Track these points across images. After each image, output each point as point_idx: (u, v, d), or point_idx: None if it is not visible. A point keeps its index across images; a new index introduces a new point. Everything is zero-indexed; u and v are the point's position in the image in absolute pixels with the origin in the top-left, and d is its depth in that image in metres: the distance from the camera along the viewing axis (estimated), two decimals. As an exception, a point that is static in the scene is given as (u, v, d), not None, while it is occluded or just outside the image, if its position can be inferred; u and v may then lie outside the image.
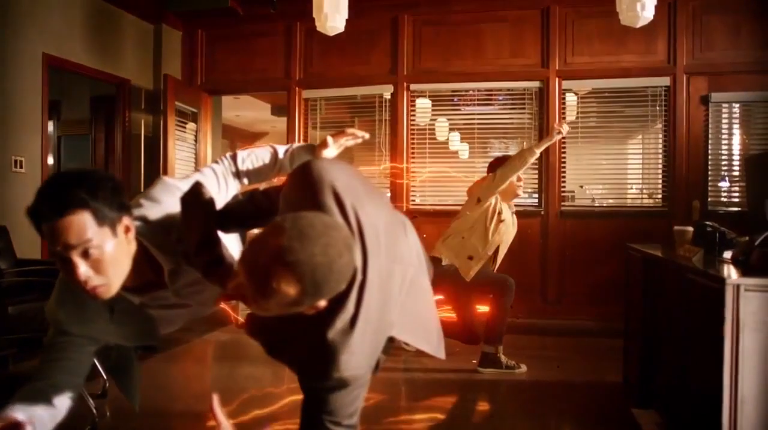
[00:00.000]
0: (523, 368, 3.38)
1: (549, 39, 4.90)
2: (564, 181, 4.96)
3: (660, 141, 4.85)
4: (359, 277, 1.16)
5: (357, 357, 1.16)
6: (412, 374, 3.41)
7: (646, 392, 2.71)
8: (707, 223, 2.49)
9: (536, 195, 4.98)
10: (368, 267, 1.17)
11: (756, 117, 4.77)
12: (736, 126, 4.84)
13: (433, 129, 5.27)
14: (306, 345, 1.18)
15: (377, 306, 1.20)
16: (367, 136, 1.62)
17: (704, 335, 1.82)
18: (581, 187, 5.04)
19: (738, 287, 1.60)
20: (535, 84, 4.96)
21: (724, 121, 4.82)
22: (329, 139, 1.56)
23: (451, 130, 5.38)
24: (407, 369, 3.48)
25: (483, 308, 3.60)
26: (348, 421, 1.22)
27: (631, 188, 5.06)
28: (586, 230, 4.86)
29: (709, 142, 4.71)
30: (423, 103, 5.23)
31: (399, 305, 1.39)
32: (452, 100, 5.26)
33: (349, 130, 1.58)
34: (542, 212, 4.92)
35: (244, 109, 9.18)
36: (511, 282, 3.41)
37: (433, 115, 5.25)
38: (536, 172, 4.99)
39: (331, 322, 1.14)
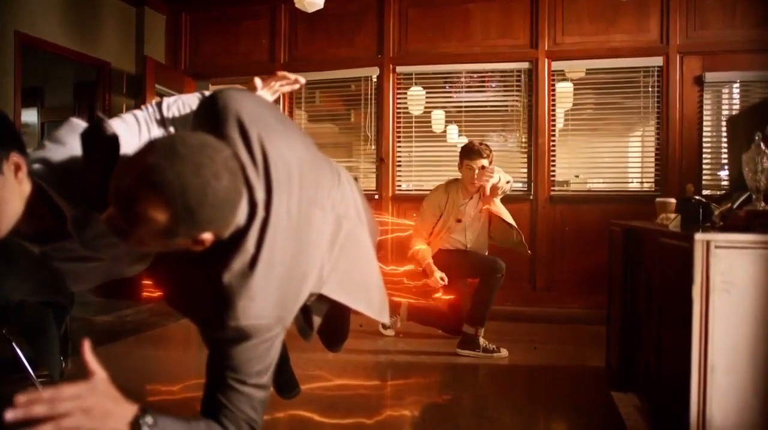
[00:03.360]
0: (504, 352, 3.24)
1: (538, 19, 4.75)
2: (554, 166, 4.81)
3: (653, 123, 4.68)
4: (261, 213, 1.03)
5: (259, 304, 1.03)
6: (387, 357, 3.27)
7: (627, 375, 2.57)
8: (692, 196, 2.36)
9: (525, 180, 4.83)
10: (272, 203, 1.04)
11: (753, 98, 4.59)
12: (736, 107, 4.66)
13: (422, 116, 5.12)
14: (203, 291, 1.05)
15: (286, 249, 1.07)
16: (303, 80, 1.49)
17: (675, 303, 1.68)
18: (577, 176, 4.87)
19: (708, 243, 1.45)
20: (524, 65, 4.81)
21: (724, 104, 4.65)
22: (257, 81, 1.43)
23: (447, 122, 5.21)
24: (385, 351, 3.36)
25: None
26: (255, 380, 1.08)
27: (628, 179, 4.87)
28: (576, 215, 4.70)
29: (704, 123, 4.54)
30: (416, 92, 5.06)
31: (332, 261, 1.27)
32: (444, 87, 5.09)
33: (280, 73, 1.45)
34: (531, 198, 4.77)
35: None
36: (501, 264, 3.28)
37: (428, 105, 5.08)
38: (525, 156, 4.85)
39: (228, 263, 1.01)
